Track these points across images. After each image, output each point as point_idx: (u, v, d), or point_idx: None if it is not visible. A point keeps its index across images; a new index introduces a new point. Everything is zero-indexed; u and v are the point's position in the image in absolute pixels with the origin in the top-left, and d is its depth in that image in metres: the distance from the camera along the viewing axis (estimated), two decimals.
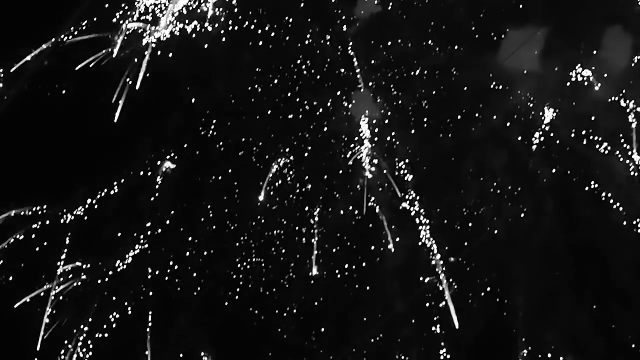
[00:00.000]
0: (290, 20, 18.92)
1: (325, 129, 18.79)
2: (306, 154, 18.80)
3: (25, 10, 18.66)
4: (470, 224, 18.12)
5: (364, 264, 18.19)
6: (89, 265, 18.64)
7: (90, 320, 18.40)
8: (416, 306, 18.00)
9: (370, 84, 18.67)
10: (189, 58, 18.98)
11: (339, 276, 18.29)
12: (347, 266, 18.23)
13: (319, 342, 18.21)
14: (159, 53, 18.77)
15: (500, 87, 18.27)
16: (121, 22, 18.85)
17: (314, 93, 18.83)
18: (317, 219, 18.42)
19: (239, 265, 18.56)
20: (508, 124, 18.32)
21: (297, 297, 18.33)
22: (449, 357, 17.69)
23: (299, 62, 18.90)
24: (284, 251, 18.56)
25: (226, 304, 18.47)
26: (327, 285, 18.28)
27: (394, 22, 18.63)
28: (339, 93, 18.79)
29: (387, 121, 18.60)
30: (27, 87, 18.75)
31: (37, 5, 18.53)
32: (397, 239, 18.10)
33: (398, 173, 18.38)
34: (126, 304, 18.52)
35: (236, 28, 18.99)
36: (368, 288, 18.16)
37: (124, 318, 18.48)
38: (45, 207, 18.77)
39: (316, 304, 18.28)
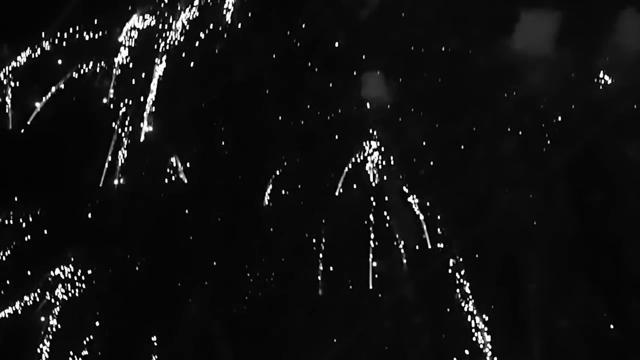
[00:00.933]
0: (300, 3, 18.79)
1: (334, 114, 18.65)
2: (314, 142, 18.65)
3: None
4: (482, 211, 17.87)
5: (372, 254, 17.97)
6: (90, 271, 18.57)
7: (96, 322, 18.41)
8: (427, 296, 17.94)
9: (380, 68, 18.49)
10: (196, 43, 18.85)
11: (345, 267, 18.18)
12: (354, 257, 18.04)
13: (328, 330, 18.06)
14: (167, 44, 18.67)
15: (513, 72, 18.01)
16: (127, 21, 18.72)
17: (323, 78, 18.63)
18: (324, 210, 18.29)
19: (248, 257, 18.53)
20: (520, 110, 18.10)
21: (305, 290, 18.21)
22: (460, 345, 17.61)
23: (308, 46, 18.70)
24: (291, 244, 18.50)
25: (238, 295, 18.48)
26: (334, 276, 18.12)
27: (405, 5, 18.46)
28: (348, 77, 18.59)
29: (397, 105, 18.48)
30: (37, 87, 18.61)
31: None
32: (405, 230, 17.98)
33: (408, 159, 18.30)
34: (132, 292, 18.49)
35: (245, 12, 18.88)
36: (376, 276, 17.94)
37: (130, 304, 18.46)
38: (45, 206, 18.66)
39: (324, 294, 18.15)
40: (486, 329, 17.46)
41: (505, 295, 17.83)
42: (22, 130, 18.43)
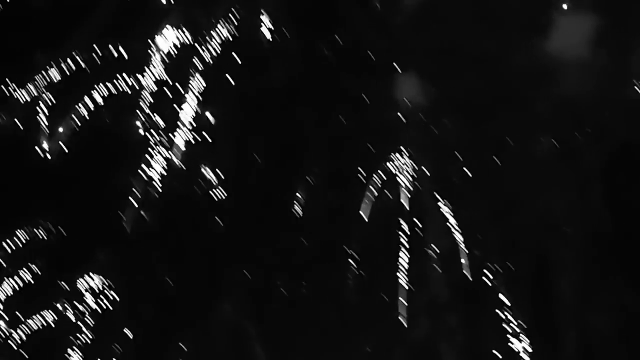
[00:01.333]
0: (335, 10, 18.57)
1: (368, 118, 18.48)
2: (347, 146, 18.46)
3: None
4: (517, 214, 17.78)
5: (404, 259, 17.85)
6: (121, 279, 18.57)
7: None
8: (460, 295, 17.92)
9: (415, 71, 18.34)
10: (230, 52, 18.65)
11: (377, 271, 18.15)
12: (386, 262, 17.98)
13: (360, 330, 18.11)
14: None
15: (549, 74, 17.89)
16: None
17: (358, 82, 18.43)
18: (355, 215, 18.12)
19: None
20: (557, 112, 17.97)
21: (336, 292, 18.21)
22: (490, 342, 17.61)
23: (343, 51, 18.48)
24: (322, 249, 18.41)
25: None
26: (365, 280, 18.11)
27: (441, 8, 18.26)
28: (383, 81, 18.39)
29: (431, 109, 18.33)
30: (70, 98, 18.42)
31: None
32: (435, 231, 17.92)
33: (442, 162, 18.17)
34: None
35: (279, 20, 18.67)
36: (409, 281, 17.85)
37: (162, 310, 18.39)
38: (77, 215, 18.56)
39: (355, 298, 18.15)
40: (522, 334, 17.39)
41: (540, 298, 17.79)
42: (56, 140, 18.27)
